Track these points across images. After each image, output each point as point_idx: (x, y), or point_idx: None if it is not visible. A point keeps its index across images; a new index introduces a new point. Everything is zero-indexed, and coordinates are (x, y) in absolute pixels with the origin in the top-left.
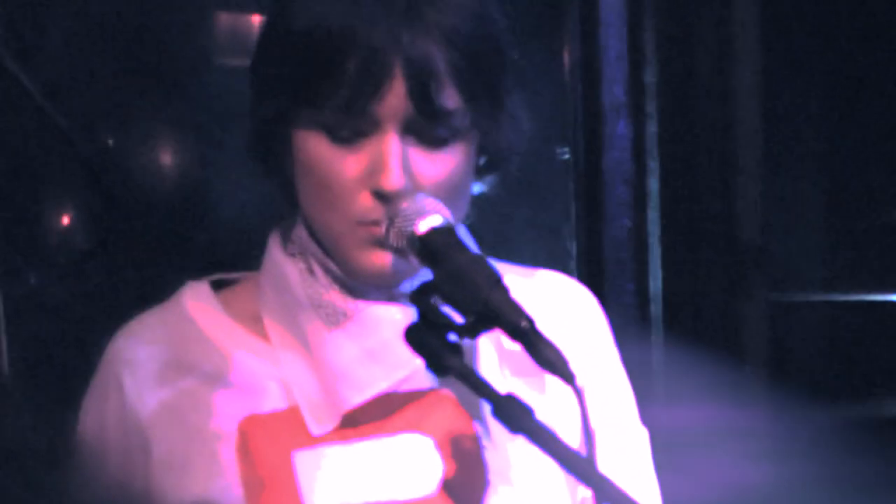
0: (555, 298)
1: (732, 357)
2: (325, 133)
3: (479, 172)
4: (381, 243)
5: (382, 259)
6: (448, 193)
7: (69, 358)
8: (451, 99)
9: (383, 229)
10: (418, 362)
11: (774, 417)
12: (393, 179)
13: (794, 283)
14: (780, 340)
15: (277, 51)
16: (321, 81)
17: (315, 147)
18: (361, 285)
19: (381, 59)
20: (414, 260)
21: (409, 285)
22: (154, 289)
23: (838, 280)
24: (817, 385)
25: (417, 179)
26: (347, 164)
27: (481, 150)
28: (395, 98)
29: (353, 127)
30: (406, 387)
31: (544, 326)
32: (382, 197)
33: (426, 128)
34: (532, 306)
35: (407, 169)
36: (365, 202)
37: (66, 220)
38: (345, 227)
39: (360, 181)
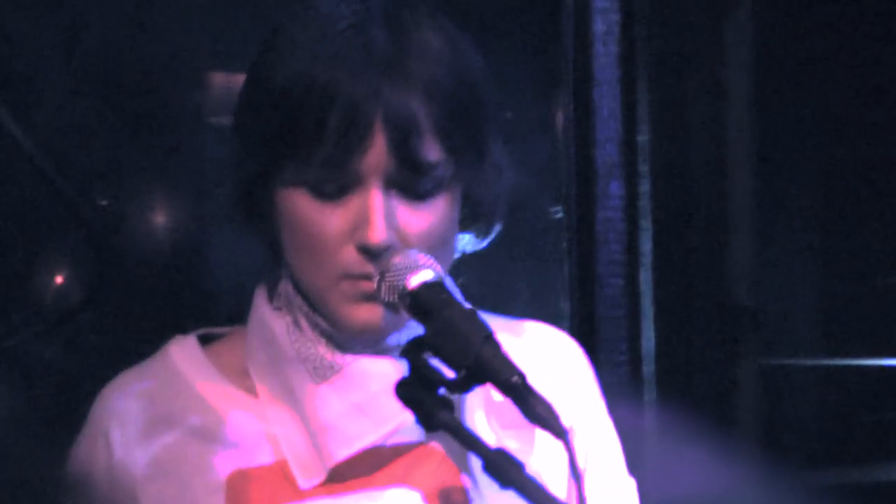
0: (541, 349)
1: (725, 419)
2: (308, 189)
3: (464, 223)
4: (368, 297)
5: (369, 313)
6: (432, 245)
7: (61, 416)
8: (432, 151)
9: (374, 284)
10: (406, 416)
11: (768, 482)
12: (377, 234)
13: (788, 347)
14: (774, 404)
15: (258, 107)
16: (303, 137)
17: (299, 203)
18: (350, 339)
19: (361, 114)
20: (405, 315)
21: (397, 338)
22: (148, 347)
23: (833, 344)
24: (811, 450)
25: (402, 232)
26: (331, 220)
27: (465, 200)
28: (377, 152)
29: (336, 182)
30: (394, 440)
31: (533, 378)
32: (367, 251)
33: (409, 181)
34: (519, 357)
35: (391, 222)
36: (349, 257)
37: (59, 279)
38: (330, 281)
39: (345, 236)
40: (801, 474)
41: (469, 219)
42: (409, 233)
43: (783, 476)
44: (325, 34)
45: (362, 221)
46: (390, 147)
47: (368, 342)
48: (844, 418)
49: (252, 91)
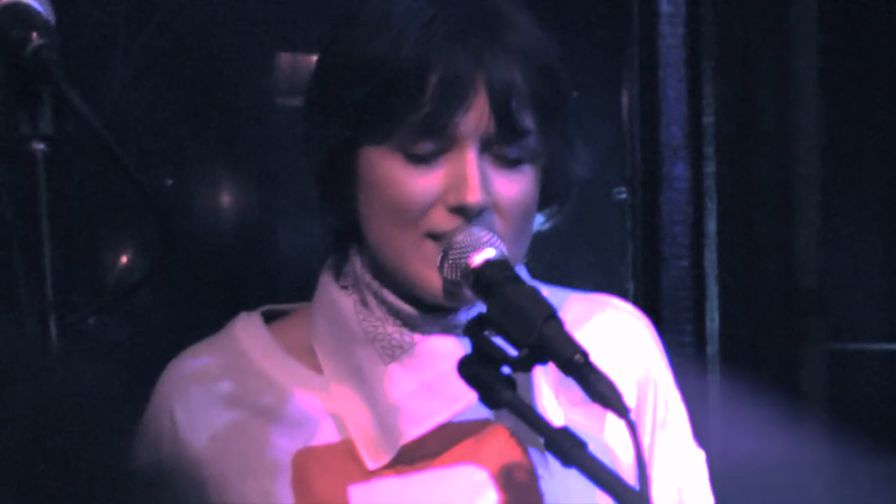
0: (608, 322)
1: (789, 402)
2: (398, 151)
3: (542, 203)
4: None
5: None
6: (519, 215)
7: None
8: (528, 119)
9: (437, 262)
10: (475, 395)
11: (832, 465)
12: (475, 193)
13: (854, 331)
14: (839, 388)
15: (347, 77)
16: (400, 103)
17: (389, 166)
18: (419, 318)
19: (464, 77)
20: (468, 293)
21: (465, 316)
22: (212, 326)
23: None
24: (876, 434)
25: (494, 196)
26: (423, 181)
27: (545, 178)
28: (477, 116)
29: (430, 145)
30: (460, 418)
31: (598, 351)
32: (462, 211)
33: (502, 147)
34: (586, 330)
35: (484, 185)
36: (438, 216)
37: (124, 259)
38: (414, 241)
39: (436, 197)
40: (867, 459)
41: (544, 198)
42: (501, 197)
43: (848, 461)
44: (414, 5)
45: (458, 182)
46: (491, 111)
47: (437, 319)
48: None
49: (337, 61)
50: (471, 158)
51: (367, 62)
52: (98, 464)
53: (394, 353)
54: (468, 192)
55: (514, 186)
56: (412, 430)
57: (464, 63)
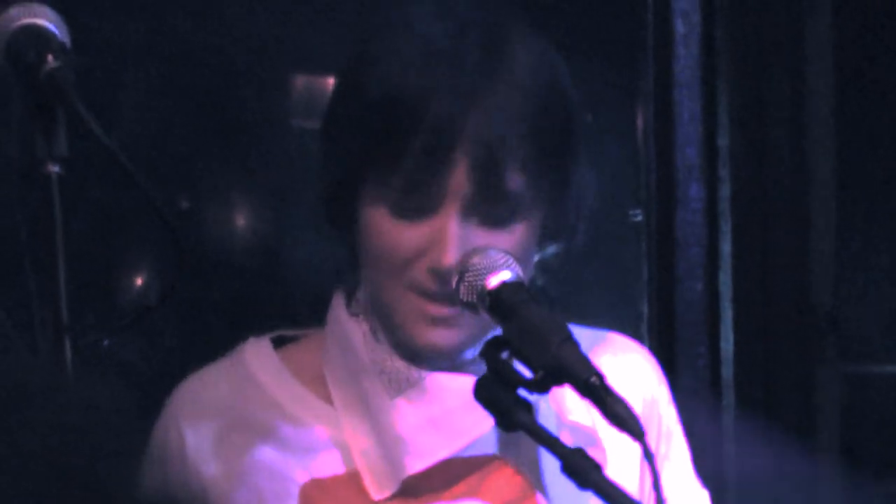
0: (615, 358)
1: (804, 424)
2: (388, 207)
3: (542, 244)
4: (435, 320)
5: (437, 337)
6: None
7: (138, 415)
8: (514, 181)
9: (453, 284)
10: (480, 430)
11: (847, 488)
12: (448, 258)
13: (869, 353)
14: (854, 411)
15: (346, 116)
16: (387, 154)
17: (377, 219)
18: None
19: (446, 135)
20: (484, 315)
21: (472, 352)
22: (225, 348)
23: None
24: (891, 456)
25: None
26: (406, 238)
27: (545, 222)
28: (458, 177)
29: (415, 202)
30: (466, 453)
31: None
32: (437, 273)
33: (488, 207)
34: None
35: (465, 247)
36: (419, 274)
37: (139, 280)
38: (399, 293)
39: (418, 255)
40: (881, 482)
41: (549, 237)
42: None
43: (862, 483)
44: (418, 50)
45: (436, 243)
46: (472, 173)
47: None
48: None
49: (341, 99)
50: (451, 221)
51: (366, 105)
52: (111, 483)
53: (400, 386)
54: (444, 256)
55: (501, 246)
56: (416, 464)
57: (448, 120)
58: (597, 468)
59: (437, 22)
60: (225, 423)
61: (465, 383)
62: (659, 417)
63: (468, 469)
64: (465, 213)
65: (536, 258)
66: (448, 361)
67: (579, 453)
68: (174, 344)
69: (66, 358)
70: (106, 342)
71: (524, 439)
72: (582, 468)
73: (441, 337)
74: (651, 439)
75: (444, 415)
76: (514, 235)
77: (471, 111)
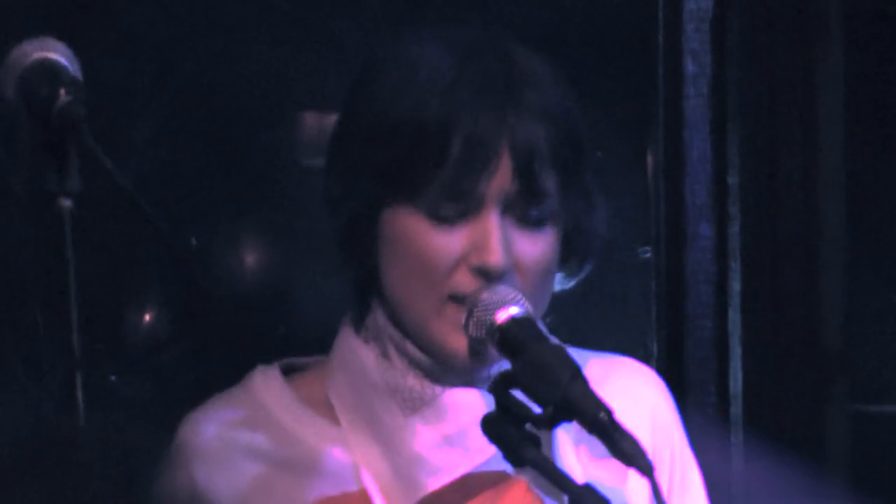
0: (626, 384)
1: (813, 464)
2: (423, 213)
3: (562, 261)
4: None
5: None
6: (540, 275)
7: (149, 453)
8: (550, 181)
9: (463, 319)
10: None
11: None
12: (497, 256)
13: (880, 393)
14: (864, 451)
15: (369, 139)
16: (424, 165)
17: (413, 227)
18: (440, 370)
19: (487, 140)
20: (493, 351)
21: (487, 370)
22: (234, 385)
23: None
24: None
25: (516, 257)
26: (447, 242)
27: (568, 235)
28: (501, 178)
29: (453, 206)
30: (480, 469)
31: (616, 412)
32: (485, 274)
33: (525, 208)
34: (605, 391)
35: (506, 247)
36: (462, 278)
37: (148, 317)
38: (437, 303)
39: (459, 258)
40: None
41: (565, 256)
42: (522, 258)
43: None
44: (438, 65)
45: (481, 244)
46: (515, 173)
47: (460, 373)
48: None
49: (361, 121)
50: (493, 221)
51: (391, 123)
52: None
53: (415, 405)
54: (491, 255)
55: (536, 248)
56: (433, 482)
57: (488, 125)
58: (604, 503)
59: (447, 37)
60: (234, 448)
61: (478, 399)
62: (672, 443)
63: (483, 486)
64: (503, 213)
65: (556, 287)
66: (466, 376)
67: (587, 489)
68: (185, 380)
69: (77, 396)
70: (113, 378)
71: None
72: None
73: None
74: (664, 463)
75: (459, 432)
76: (546, 238)
77: (507, 112)
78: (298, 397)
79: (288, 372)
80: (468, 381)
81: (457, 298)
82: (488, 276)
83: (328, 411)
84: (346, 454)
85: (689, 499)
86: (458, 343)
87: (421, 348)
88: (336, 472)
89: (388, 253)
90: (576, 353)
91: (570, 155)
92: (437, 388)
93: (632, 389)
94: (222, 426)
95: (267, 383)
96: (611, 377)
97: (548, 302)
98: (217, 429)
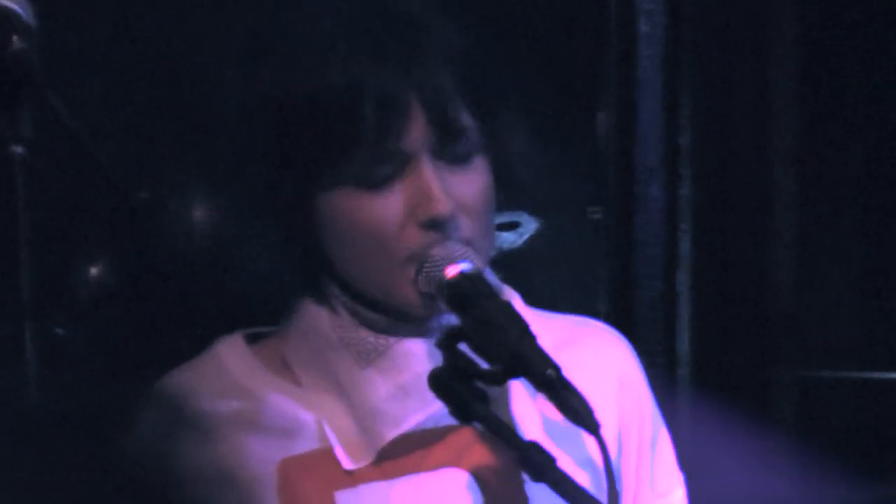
0: (593, 344)
1: (760, 427)
2: (354, 184)
3: (497, 189)
4: None
5: None
6: (483, 210)
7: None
8: (464, 116)
9: (412, 275)
10: None
11: (802, 491)
12: (441, 205)
13: (826, 358)
14: (809, 415)
15: (283, 121)
16: (342, 135)
17: (348, 200)
18: (391, 324)
19: (397, 96)
20: (442, 306)
21: (438, 321)
22: (183, 340)
23: (872, 357)
24: (844, 463)
25: (456, 199)
26: (388, 205)
27: (496, 168)
28: (419, 129)
29: (383, 169)
30: (445, 422)
31: (581, 372)
32: (434, 225)
33: (450, 149)
34: (571, 352)
35: (446, 192)
36: (413, 236)
37: (94, 270)
38: (394, 267)
39: (405, 217)
40: (836, 488)
41: (501, 184)
42: (463, 197)
43: (818, 489)
44: (331, 31)
45: (421, 198)
46: (430, 120)
47: (411, 325)
48: (882, 432)
49: (268, 106)
50: (427, 171)
51: (296, 103)
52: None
53: (369, 356)
54: (435, 204)
55: (472, 184)
56: (390, 432)
57: (393, 83)
58: (550, 461)
59: (341, 8)
60: (199, 413)
61: (430, 348)
62: (640, 404)
63: (443, 438)
64: (433, 160)
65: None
66: (418, 328)
67: (533, 446)
68: (129, 334)
69: (25, 346)
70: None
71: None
72: (535, 461)
73: None
74: (633, 424)
75: (414, 380)
76: (478, 171)
77: (411, 64)
78: (262, 363)
79: (252, 340)
80: (419, 331)
81: (412, 259)
82: (437, 227)
83: (289, 374)
84: (309, 413)
85: (659, 458)
86: (414, 297)
87: (369, 306)
88: (300, 430)
89: (333, 234)
90: (542, 316)
91: (481, 88)
92: (391, 339)
93: (599, 351)
94: (190, 393)
95: (231, 351)
96: (578, 339)
97: (493, 237)
98: (185, 395)
